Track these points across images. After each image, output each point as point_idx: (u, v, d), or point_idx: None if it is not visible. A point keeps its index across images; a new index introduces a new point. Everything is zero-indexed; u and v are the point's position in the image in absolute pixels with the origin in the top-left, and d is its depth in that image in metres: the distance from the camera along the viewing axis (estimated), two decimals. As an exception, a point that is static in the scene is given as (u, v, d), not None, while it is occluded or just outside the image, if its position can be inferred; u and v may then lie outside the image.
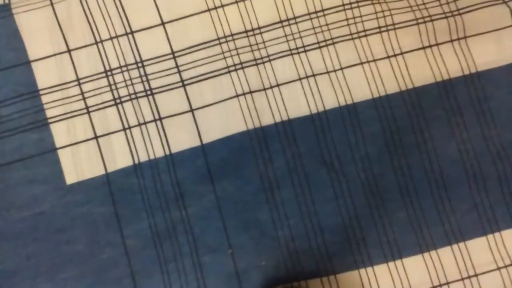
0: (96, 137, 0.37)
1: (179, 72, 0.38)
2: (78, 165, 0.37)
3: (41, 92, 0.37)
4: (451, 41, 0.38)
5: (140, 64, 0.38)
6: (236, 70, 0.38)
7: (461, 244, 0.36)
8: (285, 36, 0.38)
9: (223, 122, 0.37)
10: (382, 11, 0.38)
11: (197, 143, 0.37)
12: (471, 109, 0.38)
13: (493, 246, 0.36)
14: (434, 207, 0.37)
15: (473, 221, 0.36)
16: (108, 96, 0.37)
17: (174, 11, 0.38)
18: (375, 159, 0.37)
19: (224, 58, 0.38)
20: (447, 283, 0.36)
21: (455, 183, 0.37)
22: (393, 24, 0.38)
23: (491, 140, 0.37)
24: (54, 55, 0.38)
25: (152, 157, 0.37)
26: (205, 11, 0.38)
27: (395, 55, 0.38)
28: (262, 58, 0.38)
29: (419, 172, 0.37)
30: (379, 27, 0.38)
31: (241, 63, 0.38)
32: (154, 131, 0.37)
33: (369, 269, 0.36)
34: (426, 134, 0.37)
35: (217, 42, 0.38)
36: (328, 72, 0.38)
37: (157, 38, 0.38)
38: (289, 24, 0.38)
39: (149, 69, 0.38)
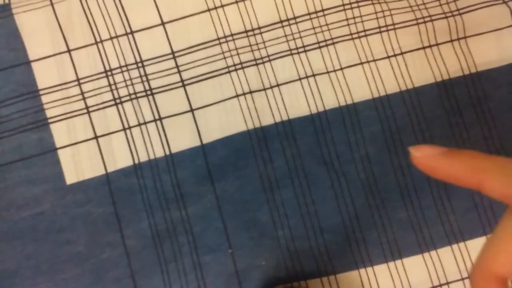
0: (96, 137, 0.37)
1: (179, 72, 0.38)
2: (78, 165, 0.37)
3: (41, 92, 0.37)
4: (451, 41, 0.38)
5: (140, 64, 0.38)
6: (236, 70, 0.38)
7: (461, 244, 0.36)
8: (285, 36, 0.38)
9: (223, 122, 0.37)
10: (382, 11, 0.38)
11: (197, 143, 0.37)
12: (471, 109, 0.38)
13: (493, 246, 0.36)
14: (434, 207, 0.37)
15: (473, 221, 0.36)
16: (108, 96, 0.37)
17: (174, 11, 0.38)
18: (375, 159, 0.37)
19: (224, 58, 0.38)
20: (447, 283, 0.36)
21: (455, 183, 0.37)
22: (393, 24, 0.38)
23: (491, 140, 0.37)
24: (54, 55, 0.38)
25: (152, 157, 0.37)
26: (205, 11, 0.38)
27: (395, 55, 0.38)
28: (262, 58, 0.38)
29: (419, 172, 0.37)
30: (379, 27, 0.38)
31: (241, 63, 0.38)
32: (154, 131, 0.37)
33: (369, 269, 0.36)
34: (426, 134, 0.37)
35: (217, 42, 0.38)
36: (328, 72, 0.38)
37: (157, 38, 0.38)
38: (289, 24, 0.38)
39: (149, 69, 0.38)
